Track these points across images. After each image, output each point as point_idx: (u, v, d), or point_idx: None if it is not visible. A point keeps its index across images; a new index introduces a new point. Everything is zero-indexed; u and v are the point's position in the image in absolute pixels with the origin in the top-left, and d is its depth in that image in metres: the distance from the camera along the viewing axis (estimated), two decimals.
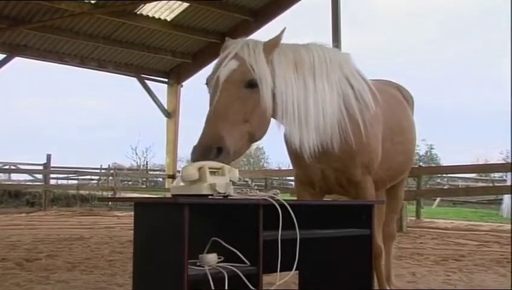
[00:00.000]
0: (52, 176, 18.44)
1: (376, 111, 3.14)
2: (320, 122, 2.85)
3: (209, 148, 2.41)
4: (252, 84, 2.61)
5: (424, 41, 51.47)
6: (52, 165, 16.95)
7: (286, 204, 2.30)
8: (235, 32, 13.87)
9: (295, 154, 3.04)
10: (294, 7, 13.33)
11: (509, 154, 26.47)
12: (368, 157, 3.09)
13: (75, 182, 21.18)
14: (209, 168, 2.28)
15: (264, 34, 14.02)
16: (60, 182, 21.32)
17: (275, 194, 2.35)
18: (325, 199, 3.40)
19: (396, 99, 3.73)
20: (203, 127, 2.52)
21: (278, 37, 2.79)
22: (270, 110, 2.70)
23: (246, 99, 2.59)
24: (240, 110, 2.56)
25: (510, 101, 9.51)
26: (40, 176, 17.81)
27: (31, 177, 19.08)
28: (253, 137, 2.68)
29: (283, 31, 2.79)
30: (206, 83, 2.73)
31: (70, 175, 21.56)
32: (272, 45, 2.76)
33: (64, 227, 9.86)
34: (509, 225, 9.73)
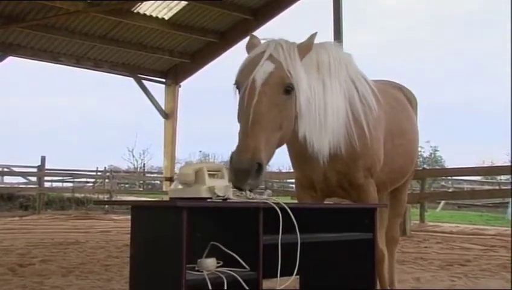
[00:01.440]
0: (46, 178, 18.44)
1: (378, 113, 3.16)
2: (335, 124, 2.89)
3: (252, 163, 2.32)
4: (289, 90, 2.58)
5: (428, 38, 51.50)
6: (46, 167, 16.96)
7: (287, 207, 2.30)
8: (234, 32, 13.92)
9: (299, 157, 3.05)
10: (295, 6, 13.35)
11: None
12: (370, 160, 3.10)
13: (70, 184, 21.16)
14: (208, 170, 2.29)
15: (264, 33, 14.05)
16: (54, 184, 21.32)
17: (268, 195, 2.37)
18: (326, 202, 3.40)
19: (397, 101, 3.74)
20: (241, 131, 2.43)
21: (311, 41, 2.78)
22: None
23: (283, 106, 2.55)
24: (277, 117, 2.52)
25: (510, 101, 9.55)
26: (34, 179, 17.79)
27: (24, 180, 19.05)
28: (281, 143, 2.65)
29: (315, 34, 2.79)
30: (236, 83, 2.64)
31: (65, 178, 21.56)
32: (305, 49, 2.75)
33: (58, 231, 9.85)
34: None
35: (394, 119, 3.45)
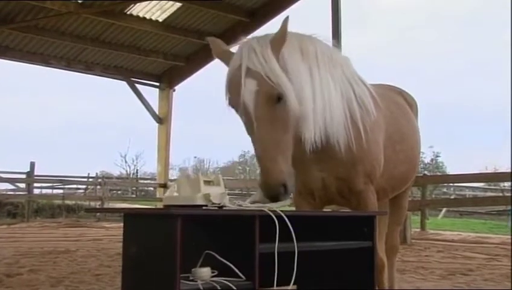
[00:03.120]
0: (35, 185, 18.43)
1: (377, 117, 3.17)
2: (327, 113, 2.89)
3: (278, 188, 2.46)
4: (280, 97, 2.61)
5: (430, 37, 51.70)
6: (35, 173, 16.94)
7: (283, 215, 2.31)
8: (230, 34, 13.94)
9: (297, 163, 3.05)
10: (293, 7, 13.39)
11: None
12: (370, 166, 3.11)
13: (61, 191, 21.11)
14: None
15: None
16: (44, 191, 21.27)
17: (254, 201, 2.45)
18: (324, 210, 3.41)
19: (398, 105, 3.75)
20: (256, 156, 2.59)
21: (284, 30, 2.73)
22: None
23: (281, 114, 2.60)
24: (281, 128, 2.59)
25: (510, 101, 9.61)
26: (22, 185, 17.76)
27: (12, 187, 19.01)
28: (293, 139, 2.71)
29: (286, 20, 2.75)
30: (231, 106, 2.70)
31: (55, 184, 21.50)
32: (279, 41, 2.73)
33: (48, 239, 9.82)
34: None
35: (394, 124, 3.46)
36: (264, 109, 2.56)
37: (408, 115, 3.86)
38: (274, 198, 2.47)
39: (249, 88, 2.58)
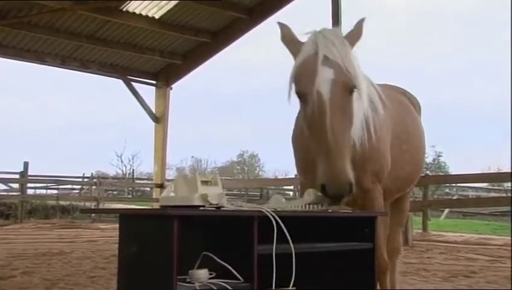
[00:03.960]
0: (29, 185, 18.40)
1: (385, 117, 3.19)
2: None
3: (346, 187, 2.42)
4: (353, 90, 2.62)
5: (430, 37, 51.73)
6: (29, 173, 16.90)
7: (275, 216, 2.31)
8: (228, 32, 13.94)
9: (308, 159, 3.06)
10: (292, 4, 13.38)
11: None
12: (378, 165, 3.14)
13: (55, 191, 21.09)
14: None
15: (259, 32, 14.08)
16: (38, 191, 21.27)
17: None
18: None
19: (403, 106, 3.76)
20: (323, 151, 2.46)
21: (360, 28, 2.77)
22: None
23: (351, 107, 2.60)
24: (349, 122, 2.59)
25: (510, 101, 9.62)
26: (16, 186, 17.74)
27: (5, 187, 18.98)
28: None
29: (363, 20, 2.78)
30: (298, 93, 2.65)
31: (49, 184, 21.50)
32: (355, 38, 2.74)
33: (42, 241, 9.81)
34: None
35: (401, 124, 3.48)
36: (339, 99, 2.54)
37: (413, 114, 3.88)
38: (338, 197, 2.43)
39: (325, 76, 2.55)
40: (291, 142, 3.38)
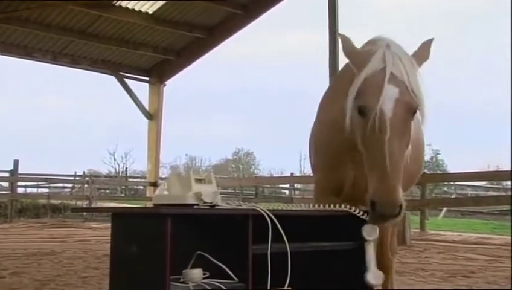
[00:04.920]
0: (19, 184, 18.34)
1: None
2: None
3: (396, 209, 2.45)
4: (415, 112, 2.64)
5: (427, 36, 51.76)
6: (19, 171, 16.86)
7: (272, 216, 2.31)
8: (223, 27, 13.93)
9: (336, 158, 3.06)
10: (286, 0, 13.38)
11: None
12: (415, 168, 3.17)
13: (46, 190, 21.05)
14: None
15: (254, 28, 14.06)
16: (28, 190, 21.21)
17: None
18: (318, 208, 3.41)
19: None
20: (378, 169, 2.49)
21: (428, 48, 2.78)
22: None
23: (409, 128, 2.63)
24: (406, 144, 2.62)
25: (510, 101, 9.66)
26: (5, 184, 17.71)
27: None
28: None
29: (431, 41, 2.79)
30: (360, 109, 2.64)
31: (40, 183, 21.43)
32: (421, 58, 2.75)
33: (32, 241, 9.79)
34: None
35: None
36: (400, 120, 2.56)
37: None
38: (387, 217, 2.48)
39: (390, 94, 2.57)
40: (310, 137, 3.38)
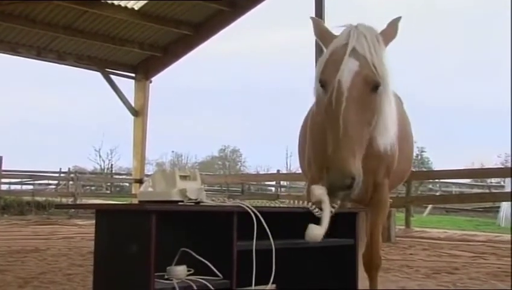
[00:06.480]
0: (3, 180, 18.15)
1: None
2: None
3: (345, 180, 2.40)
4: (375, 88, 2.60)
5: (416, 34, 52.12)
6: (3, 168, 16.69)
7: (257, 213, 2.32)
8: (210, 24, 13.89)
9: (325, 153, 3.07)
10: None
11: (509, 158, 27.01)
12: (391, 158, 3.19)
13: (30, 187, 20.91)
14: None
15: (241, 25, 14.07)
16: (12, 187, 21.04)
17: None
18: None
19: (398, 102, 3.80)
20: (332, 141, 2.47)
21: (396, 27, 2.79)
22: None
23: (371, 104, 2.59)
24: (366, 119, 2.57)
25: (510, 101, 9.71)
26: None
27: None
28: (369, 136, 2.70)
29: (399, 19, 2.80)
30: (321, 82, 2.64)
31: (24, 180, 21.28)
32: (389, 36, 2.75)
33: (16, 238, 9.71)
34: (508, 235, 9.93)
35: (401, 120, 3.51)
36: (359, 92, 2.54)
37: (405, 112, 3.92)
38: (336, 189, 2.43)
39: (349, 67, 2.56)
40: (303, 136, 3.39)
